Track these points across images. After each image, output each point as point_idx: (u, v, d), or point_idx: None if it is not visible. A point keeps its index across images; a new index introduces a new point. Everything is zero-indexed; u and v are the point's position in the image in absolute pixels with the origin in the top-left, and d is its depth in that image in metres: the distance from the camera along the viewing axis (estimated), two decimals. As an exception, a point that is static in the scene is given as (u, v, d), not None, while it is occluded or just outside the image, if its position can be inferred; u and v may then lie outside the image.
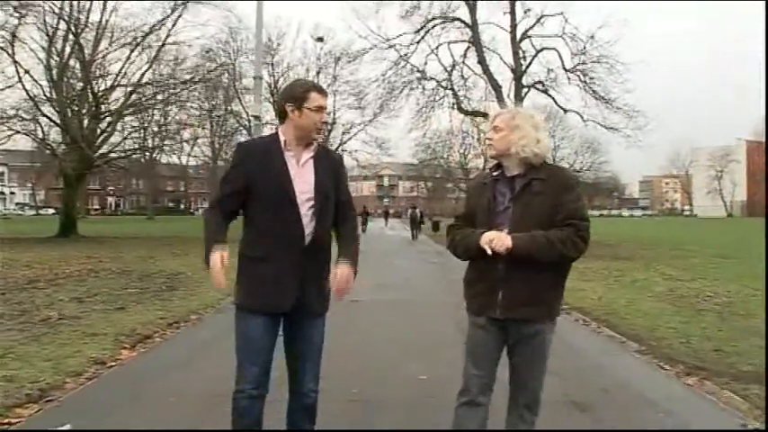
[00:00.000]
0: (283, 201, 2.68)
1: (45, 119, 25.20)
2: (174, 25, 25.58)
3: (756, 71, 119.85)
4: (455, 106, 26.50)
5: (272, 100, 31.29)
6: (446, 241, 2.84)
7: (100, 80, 26.52)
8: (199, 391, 4.32)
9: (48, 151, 28.16)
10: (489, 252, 2.47)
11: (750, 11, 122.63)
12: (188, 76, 26.87)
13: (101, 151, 26.53)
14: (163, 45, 26.05)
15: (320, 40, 34.03)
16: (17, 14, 22.08)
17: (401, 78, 26.78)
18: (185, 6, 25.25)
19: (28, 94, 23.85)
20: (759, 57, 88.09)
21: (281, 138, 2.76)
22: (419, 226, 31.01)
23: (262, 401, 2.71)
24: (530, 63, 25.76)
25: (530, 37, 25.59)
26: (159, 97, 26.55)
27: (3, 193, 77.96)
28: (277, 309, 2.69)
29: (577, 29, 25.16)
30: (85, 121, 25.49)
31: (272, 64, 37.58)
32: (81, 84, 25.57)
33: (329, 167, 2.82)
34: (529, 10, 25.24)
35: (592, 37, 24.56)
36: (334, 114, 36.72)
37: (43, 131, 26.33)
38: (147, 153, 39.77)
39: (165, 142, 32.84)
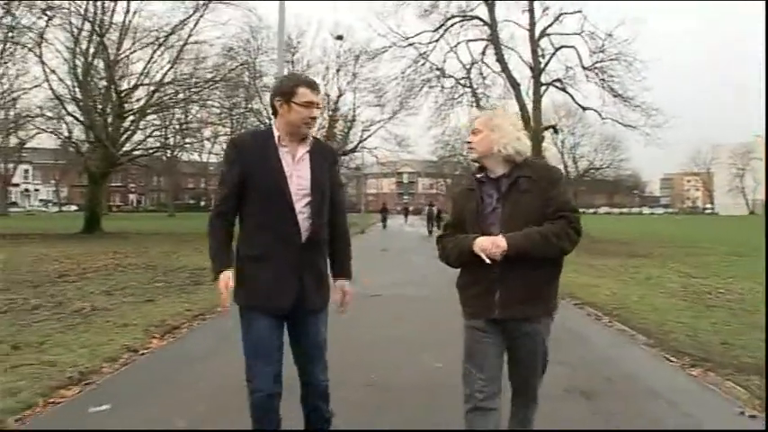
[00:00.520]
0: (279, 198, 2.66)
1: (70, 118, 25.90)
2: (195, 25, 26.06)
3: (756, 71, 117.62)
4: (474, 104, 26.53)
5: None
6: (438, 251, 2.80)
7: (123, 80, 27.07)
8: (225, 376, 4.51)
9: (72, 149, 28.81)
10: (488, 261, 2.46)
11: (750, 11, 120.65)
12: (209, 75, 27.34)
13: (124, 149, 27.11)
14: (185, 45, 26.56)
15: (340, 38, 34.17)
16: (45, 16, 22.68)
17: (420, 76, 27.10)
18: (207, 6, 25.67)
19: (54, 93, 24.58)
20: (759, 57, 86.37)
21: (276, 133, 2.73)
22: (436, 222, 31.17)
23: (278, 399, 2.74)
24: (548, 61, 25.88)
25: (548, 35, 25.69)
26: (181, 96, 27.02)
27: (27, 190, 79.41)
28: (278, 310, 2.71)
29: (596, 26, 25.22)
30: (109, 120, 26.01)
31: (293, 62, 37.70)
32: (105, 83, 26.13)
33: (324, 163, 2.81)
34: (548, 8, 25.36)
35: (610, 35, 24.60)
36: (354, 111, 36.92)
37: (69, 130, 27.00)
38: (169, 151, 40.42)
39: (187, 140, 33.47)
